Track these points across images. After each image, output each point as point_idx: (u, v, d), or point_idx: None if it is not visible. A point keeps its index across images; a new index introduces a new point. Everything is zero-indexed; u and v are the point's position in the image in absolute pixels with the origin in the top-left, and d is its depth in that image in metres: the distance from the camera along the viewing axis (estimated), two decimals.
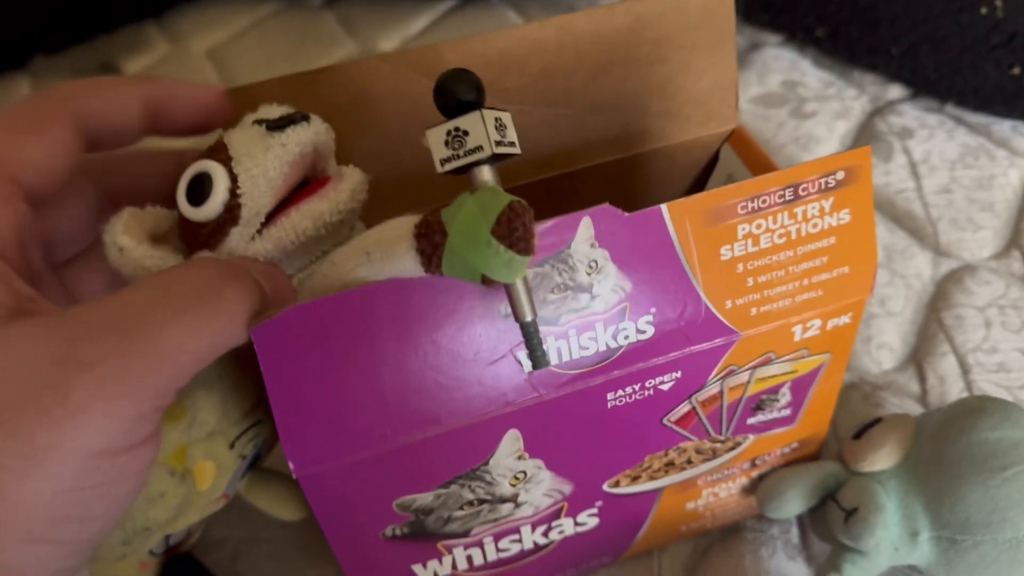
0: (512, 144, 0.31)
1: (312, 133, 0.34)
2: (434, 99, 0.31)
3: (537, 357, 0.31)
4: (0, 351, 0.25)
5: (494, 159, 0.30)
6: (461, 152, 0.30)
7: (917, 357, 0.59)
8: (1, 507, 0.25)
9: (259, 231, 0.34)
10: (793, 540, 0.50)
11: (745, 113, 0.78)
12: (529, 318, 0.31)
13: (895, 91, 0.79)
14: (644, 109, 0.44)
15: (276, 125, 0.33)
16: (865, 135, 0.75)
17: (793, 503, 0.45)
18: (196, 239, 0.33)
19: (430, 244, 0.30)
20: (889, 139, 0.74)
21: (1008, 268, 0.64)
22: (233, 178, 0.32)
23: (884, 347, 0.59)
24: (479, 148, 0.30)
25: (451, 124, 0.30)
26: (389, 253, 0.31)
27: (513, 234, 0.28)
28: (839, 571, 0.44)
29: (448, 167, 0.31)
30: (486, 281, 0.29)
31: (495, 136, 0.30)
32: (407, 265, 0.31)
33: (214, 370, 0.39)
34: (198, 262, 0.32)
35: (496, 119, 0.31)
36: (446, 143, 0.30)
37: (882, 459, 0.44)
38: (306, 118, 0.34)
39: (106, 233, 0.33)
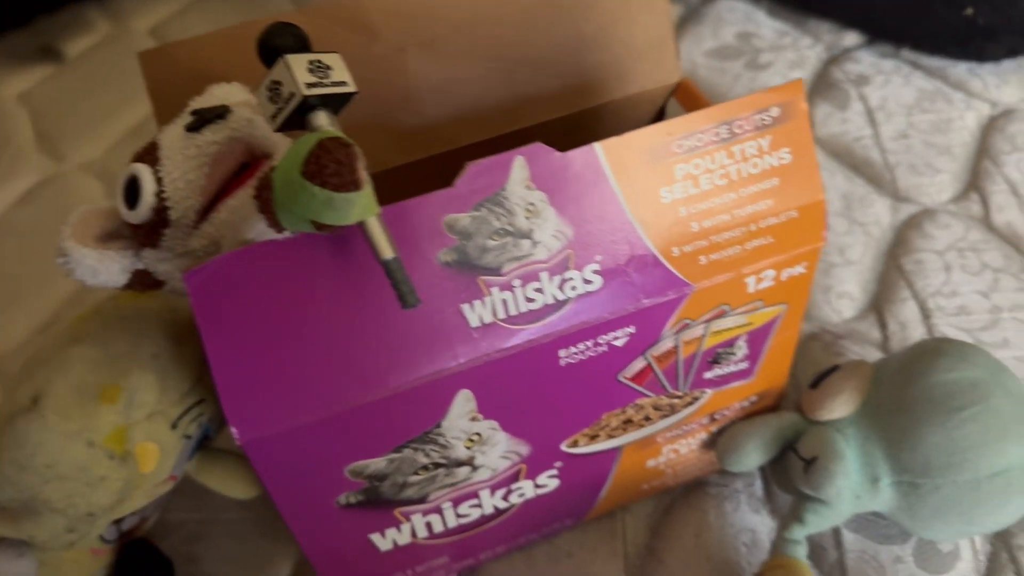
0: (341, 84, 0.30)
1: (229, 129, 0.34)
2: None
3: (404, 295, 0.30)
4: None
5: (325, 103, 0.30)
6: (280, 104, 0.30)
7: (877, 304, 0.59)
8: None
9: (195, 227, 0.34)
10: (757, 493, 0.50)
11: (700, 67, 0.77)
12: (389, 256, 0.30)
13: (851, 38, 0.78)
14: (581, 62, 0.43)
15: (193, 126, 0.33)
16: (822, 84, 0.75)
17: (752, 455, 0.45)
18: (137, 238, 0.34)
19: (265, 202, 0.30)
20: (845, 87, 0.74)
21: (967, 211, 0.64)
22: (159, 180, 0.33)
23: (844, 296, 0.59)
24: (292, 95, 0.29)
25: (267, 79, 0.30)
26: (247, 215, 0.31)
27: (324, 171, 0.27)
28: (802, 521, 0.43)
29: (277, 123, 0.30)
30: (320, 227, 0.28)
31: (306, 79, 0.29)
32: (261, 226, 0.30)
33: (148, 349, 0.38)
34: None
35: (312, 62, 0.30)
36: (269, 99, 0.30)
37: (840, 407, 0.43)
38: (222, 115, 0.33)
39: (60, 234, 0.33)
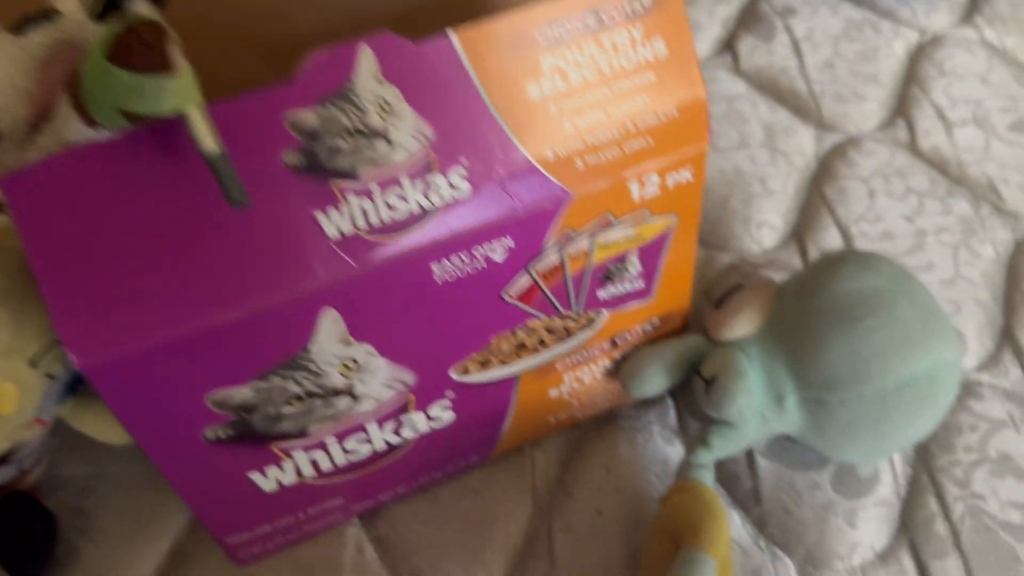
0: None
1: (58, 32, 0.31)
2: None
3: (229, 191, 0.28)
4: None
5: None
6: None
7: (799, 233, 0.57)
8: None
9: (29, 139, 0.32)
10: (671, 424, 0.48)
11: None
12: (212, 149, 0.27)
13: None
14: None
15: (17, 27, 0.31)
16: (748, 17, 0.72)
17: (655, 379, 0.43)
18: None
19: (74, 93, 0.27)
20: (772, 19, 0.72)
21: (894, 138, 0.62)
22: None
23: (764, 225, 0.57)
24: None
25: None
26: (68, 114, 0.28)
27: (130, 54, 0.25)
28: (707, 445, 0.41)
29: (94, 12, 0.28)
30: (133, 119, 0.26)
31: None
32: (79, 126, 0.28)
33: None
34: None
35: None
36: None
37: (742, 325, 0.41)
38: (49, 16, 0.31)
39: None
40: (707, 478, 0.41)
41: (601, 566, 0.43)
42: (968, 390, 0.48)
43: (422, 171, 0.32)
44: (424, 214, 0.32)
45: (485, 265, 0.35)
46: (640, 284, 0.41)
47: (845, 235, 0.56)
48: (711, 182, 0.59)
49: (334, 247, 0.32)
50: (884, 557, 0.43)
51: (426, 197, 0.32)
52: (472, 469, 0.47)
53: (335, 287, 0.32)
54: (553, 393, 0.44)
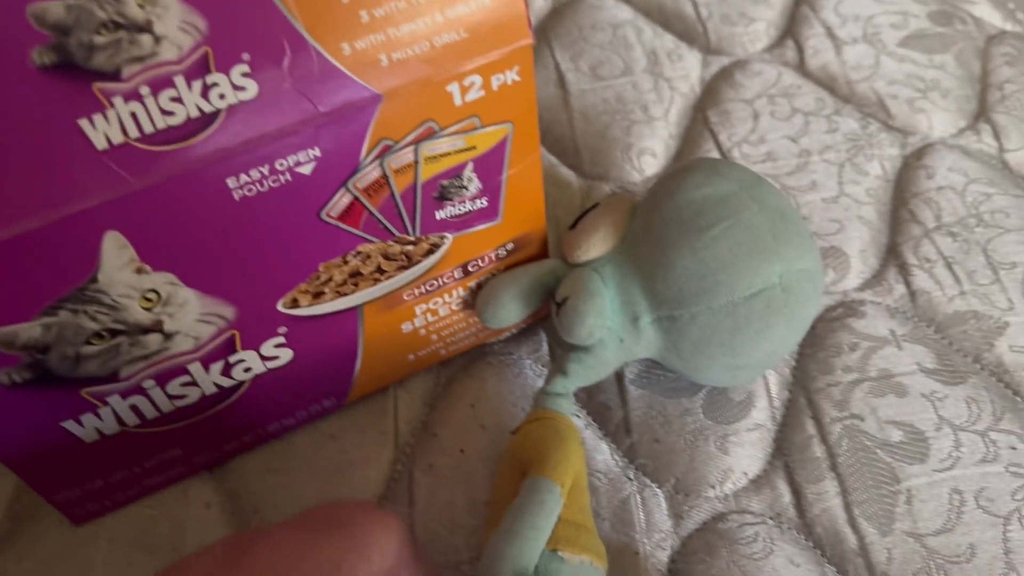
0: None
1: None
2: None
3: None
4: None
5: None
6: None
7: (680, 159, 0.54)
8: None
9: None
10: (543, 358, 0.46)
11: None
12: None
13: None
14: None
15: None
16: None
17: (510, 307, 0.40)
18: None
19: None
20: None
21: (782, 58, 0.59)
22: None
23: (646, 153, 0.54)
24: None
25: None
26: None
27: None
28: (565, 373, 0.39)
29: None
30: None
31: None
32: None
33: None
34: None
35: None
36: None
37: (596, 244, 0.39)
38: None
39: None
40: (564, 407, 0.38)
41: (463, 503, 0.41)
42: (849, 309, 0.46)
43: (198, 70, 0.28)
44: (207, 119, 0.29)
45: (291, 179, 0.32)
46: (483, 203, 0.38)
47: (726, 158, 0.53)
48: (592, 111, 0.56)
49: (104, 159, 0.28)
50: (758, 482, 0.41)
51: (206, 99, 0.29)
52: (329, 414, 0.44)
53: (111, 206, 0.29)
54: (406, 328, 0.41)
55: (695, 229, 0.36)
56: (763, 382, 0.44)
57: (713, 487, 0.41)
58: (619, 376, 0.44)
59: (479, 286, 0.42)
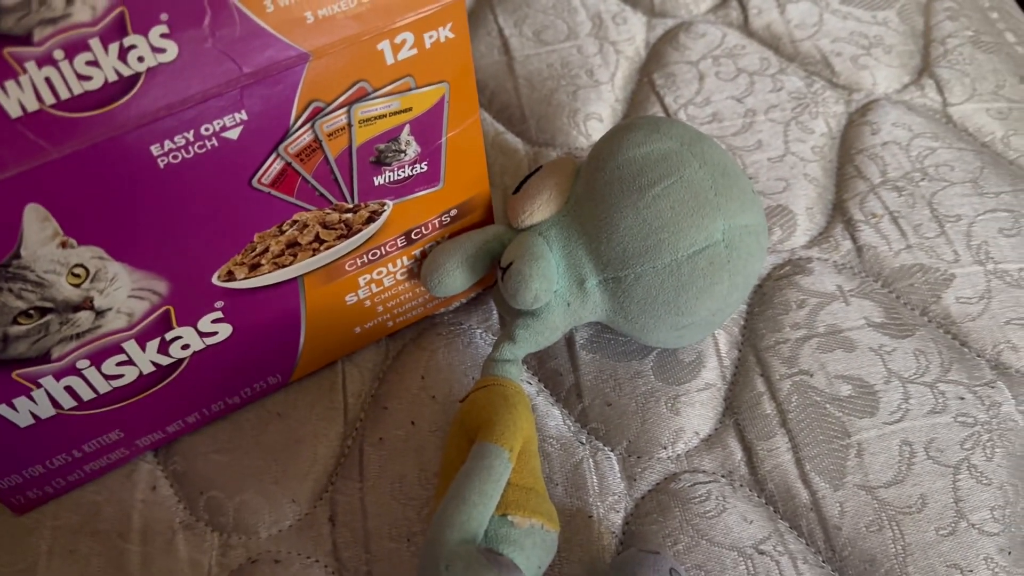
0: None
1: None
2: None
3: None
4: None
5: None
6: None
7: None
8: None
9: None
10: (494, 327, 0.45)
11: None
12: None
13: None
14: None
15: None
16: None
17: (455, 275, 0.39)
18: None
19: None
20: None
21: (726, 18, 0.59)
22: None
23: (592, 117, 0.54)
24: None
25: None
26: None
27: None
28: (512, 339, 0.38)
29: None
30: None
31: None
32: None
33: None
34: None
35: None
36: None
37: (541, 208, 0.38)
38: None
39: None
40: (512, 373, 0.38)
41: (414, 475, 0.40)
42: (797, 267, 0.46)
43: (114, 31, 0.27)
44: (126, 83, 0.28)
45: (217, 144, 0.31)
46: (423, 168, 0.37)
47: None
48: (537, 77, 0.56)
49: (19, 127, 0.27)
50: (709, 441, 0.41)
51: (124, 63, 0.28)
52: (275, 391, 0.43)
53: (29, 176, 0.28)
54: (350, 299, 0.40)
55: (636, 188, 0.35)
56: (712, 342, 0.44)
57: (665, 448, 0.40)
58: (569, 341, 0.44)
59: (424, 254, 0.41)
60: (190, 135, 0.30)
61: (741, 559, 0.37)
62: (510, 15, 0.59)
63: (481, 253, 0.39)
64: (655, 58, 0.57)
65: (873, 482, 0.39)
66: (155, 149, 0.30)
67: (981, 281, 0.45)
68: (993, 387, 0.41)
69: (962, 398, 0.41)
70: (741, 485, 0.39)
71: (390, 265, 0.40)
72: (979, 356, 0.42)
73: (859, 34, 0.57)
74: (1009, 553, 0.37)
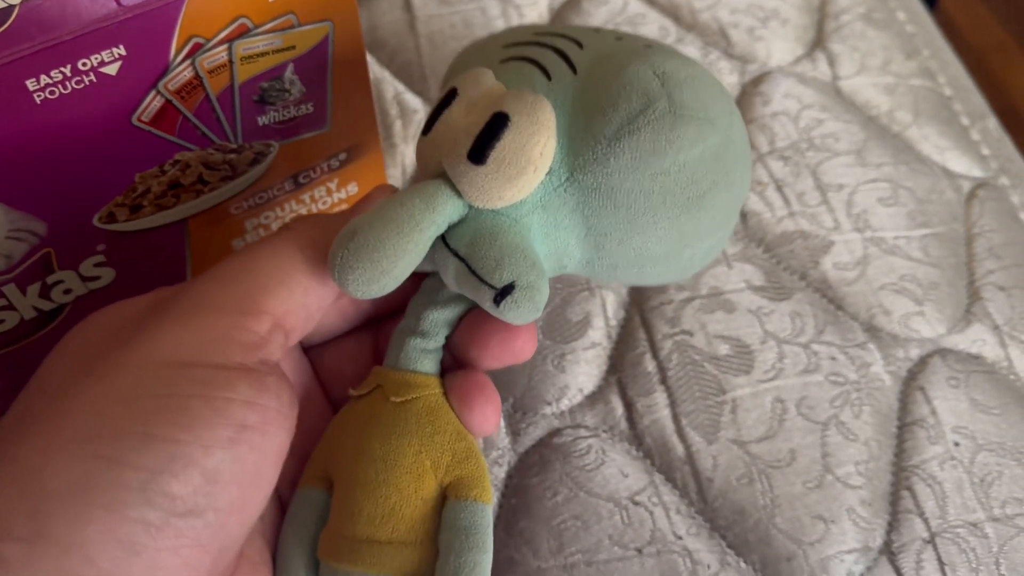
0: None
1: None
2: None
3: None
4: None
5: None
6: None
7: None
8: None
9: None
10: None
11: None
12: None
13: None
14: None
15: None
16: None
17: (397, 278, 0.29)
18: None
19: None
20: None
21: None
22: None
23: None
24: None
25: None
26: None
27: None
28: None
29: None
30: None
31: None
32: None
33: None
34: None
35: None
36: None
37: (525, 184, 0.35)
38: None
39: None
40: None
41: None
42: None
43: None
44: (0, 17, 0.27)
45: (96, 79, 0.30)
46: (309, 109, 0.37)
47: None
48: (439, 37, 0.55)
49: None
50: (592, 398, 0.42)
51: None
52: None
53: None
54: (236, 244, 0.40)
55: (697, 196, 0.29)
56: (600, 303, 0.44)
57: (550, 404, 0.41)
58: None
59: (316, 199, 0.41)
60: (67, 70, 0.29)
61: (617, 509, 0.38)
62: None
63: (426, 245, 0.28)
64: (557, 23, 0.57)
65: (746, 437, 0.40)
66: (31, 84, 0.29)
67: (859, 248, 0.46)
68: (864, 348, 0.43)
69: (834, 358, 0.43)
70: (620, 439, 0.40)
71: (278, 210, 0.40)
72: (853, 319, 0.44)
73: (756, 6, 0.58)
74: (870, 505, 0.39)
